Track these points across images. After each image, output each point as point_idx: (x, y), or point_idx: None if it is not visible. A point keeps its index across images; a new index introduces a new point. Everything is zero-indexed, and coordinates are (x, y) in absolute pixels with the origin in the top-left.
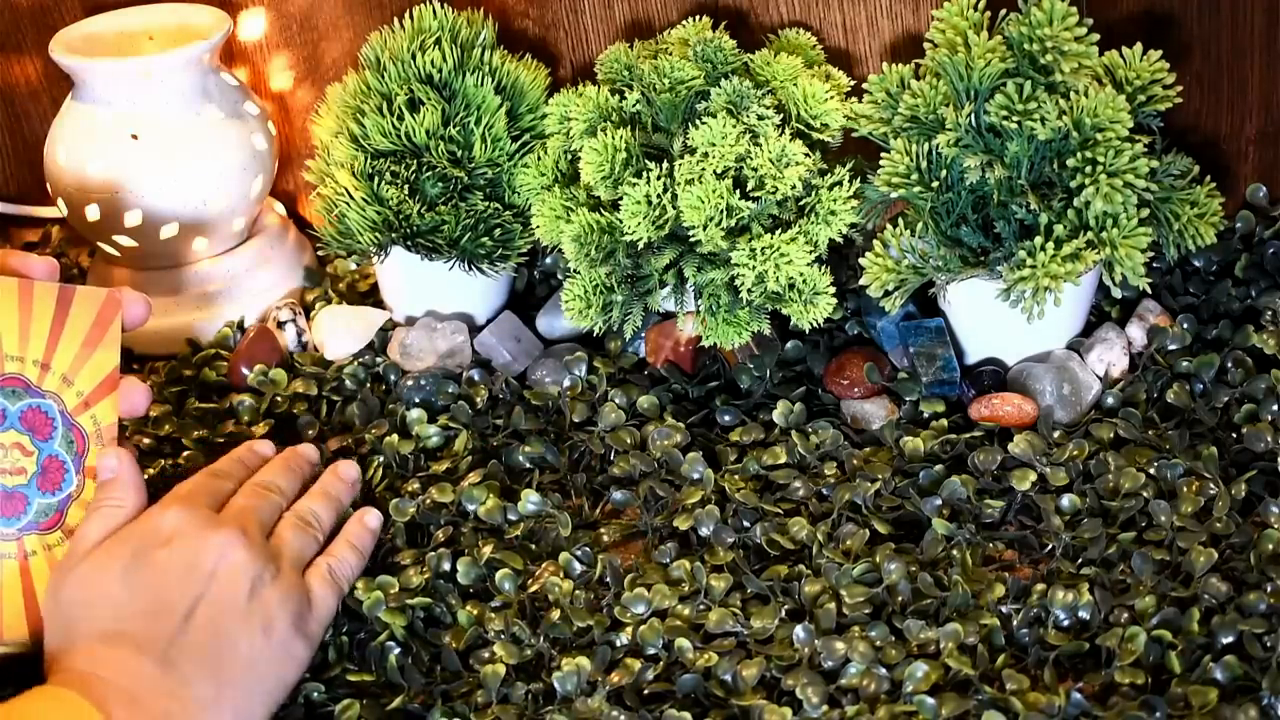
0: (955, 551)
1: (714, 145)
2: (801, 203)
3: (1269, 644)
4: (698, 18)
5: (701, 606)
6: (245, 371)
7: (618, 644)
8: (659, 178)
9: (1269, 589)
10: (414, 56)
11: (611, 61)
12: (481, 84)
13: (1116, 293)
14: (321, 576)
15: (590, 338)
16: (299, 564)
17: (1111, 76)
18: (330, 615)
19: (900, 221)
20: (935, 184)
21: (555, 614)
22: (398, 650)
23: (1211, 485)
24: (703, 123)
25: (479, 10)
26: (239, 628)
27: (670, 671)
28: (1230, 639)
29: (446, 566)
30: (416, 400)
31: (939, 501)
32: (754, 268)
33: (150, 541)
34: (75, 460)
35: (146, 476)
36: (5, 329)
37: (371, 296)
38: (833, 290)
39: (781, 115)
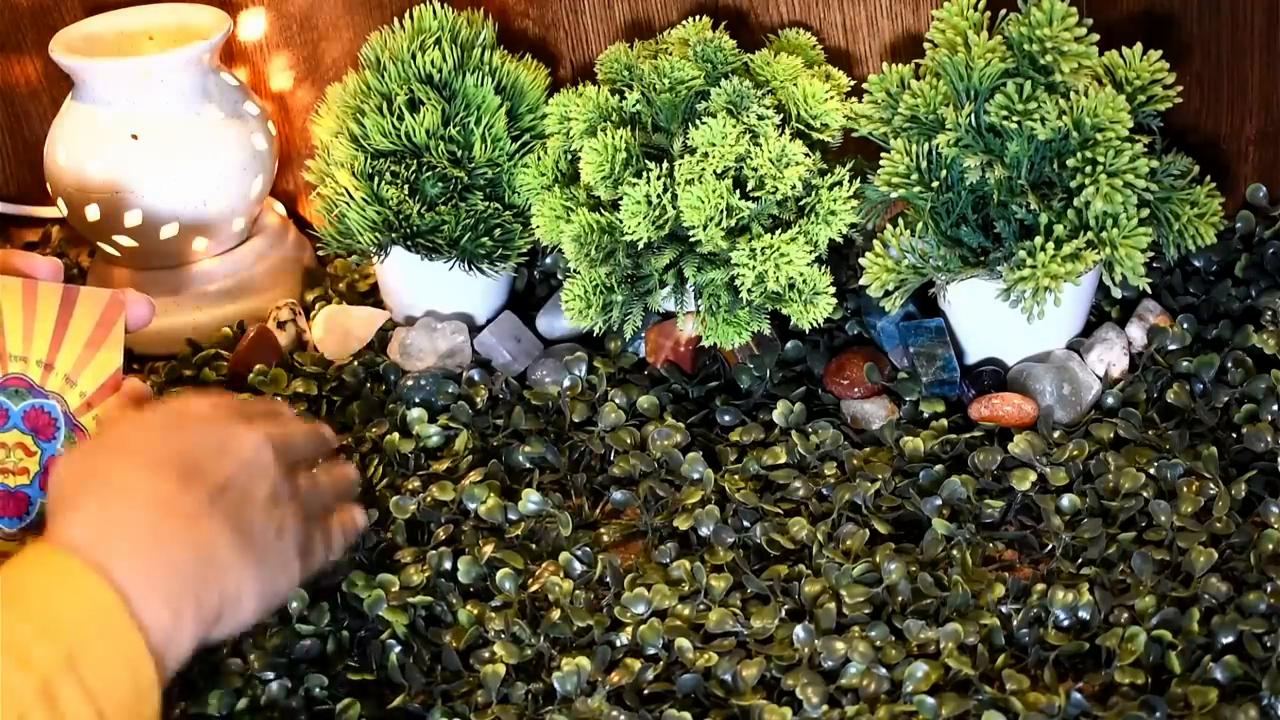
0: (955, 551)
1: (714, 145)
2: (801, 203)
3: (1269, 644)
4: (698, 18)
5: (701, 606)
6: (245, 371)
7: (618, 644)
8: (659, 178)
9: (1269, 589)
10: (414, 56)
11: (611, 61)
12: (481, 84)
13: (1116, 293)
14: (326, 530)
15: (590, 338)
16: (308, 507)
17: (1111, 76)
18: (314, 570)
19: (900, 221)
20: (935, 184)
21: (555, 614)
22: (399, 649)
23: (1211, 485)
24: (703, 123)
25: (479, 10)
26: (260, 520)
27: (670, 671)
28: (1230, 639)
29: (447, 565)
30: (416, 400)
31: (939, 501)
32: (754, 268)
33: (189, 417)
34: None
35: None
36: (9, 329)
37: (371, 296)
38: (833, 290)
39: (781, 115)
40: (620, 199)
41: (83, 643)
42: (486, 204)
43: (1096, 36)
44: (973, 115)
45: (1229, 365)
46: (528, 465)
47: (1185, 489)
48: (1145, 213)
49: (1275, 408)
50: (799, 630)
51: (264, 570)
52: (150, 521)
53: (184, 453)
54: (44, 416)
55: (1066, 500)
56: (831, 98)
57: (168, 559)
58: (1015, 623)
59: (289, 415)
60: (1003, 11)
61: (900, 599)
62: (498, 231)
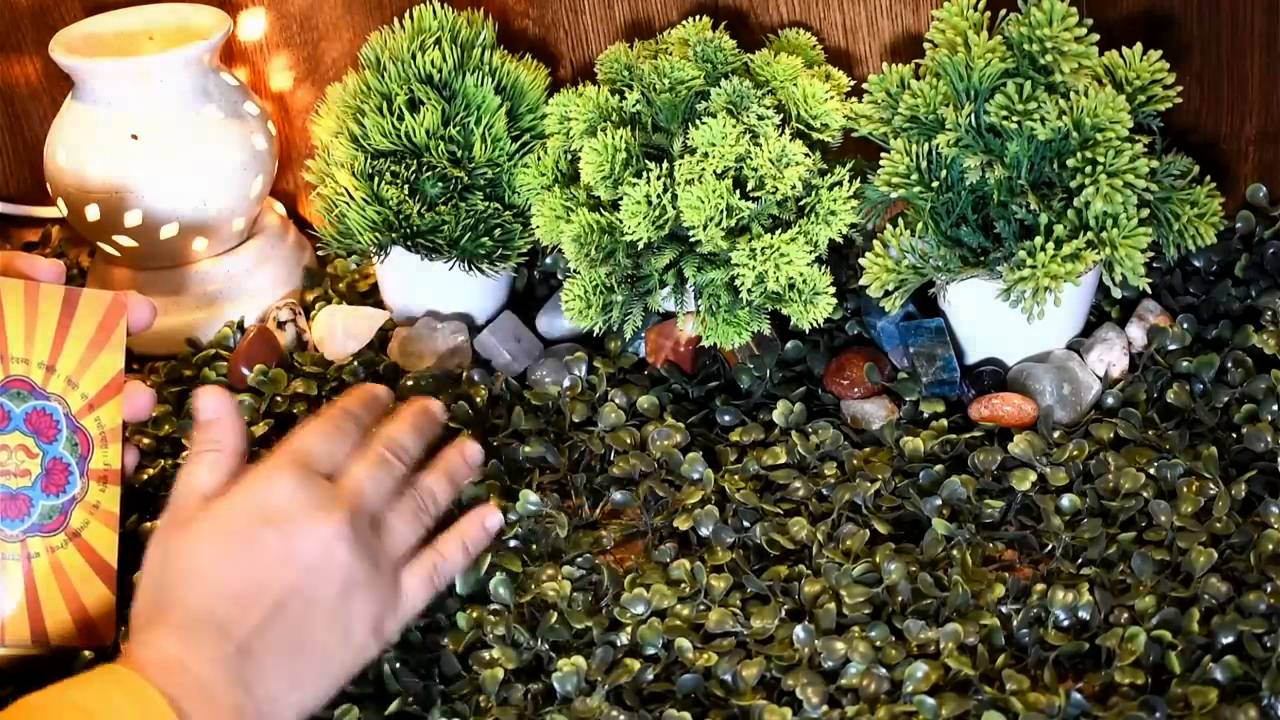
0: (955, 551)
1: (714, 145)
2: (801, 203)
3: (1269, 644)
4: (698, 18)
5: (701, 606)
6: (245, 371)
7: (617, 644)
8: (659, 178)
9: (1269, 589)
10: (414, 56)
11: (611, 61)
12: (481, 84)
13: (1116, 293)
14: (421, 577)
15: (590, 338)
16: (399, 559)
17: (1111, 76)
18: (414, 614)
19: (900, 221)
20: (935, 184)
21: (553, 616)
22: (397, 653)
23: (1211, 485)
24: (703, 123)
25: (479, 10)
26: (323, 626)
27: (670, 671)
28: (1230, 639)
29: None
30: None
31: (939, 501)
32: (754, 268)
33: (258, 516)
34: (79, 463)
35: (146, 477)
36: (11, 331)
37: (371, 296)
38: (833, 290)
39: (781, 115)
40: (620, 199)
41: None
42: (486, 204)
43: (1096, 36)
44: (973, 115)
45: (1229, 365)
46: (528, 465)
47: (1185, 489)
48: (1145, 213)
49: (1275, 408)
50: (799, 630)
51: (326, 676)
52: (210, 660)
53: (246, 571)
54: (46, 418)
55: (1066, 500)
56: (831, 98)
57: (222, 701)
58: (1015, 623)
59: (384, 402)
60: (1003, 11)
61: (900, 599)
62: (498, 231)
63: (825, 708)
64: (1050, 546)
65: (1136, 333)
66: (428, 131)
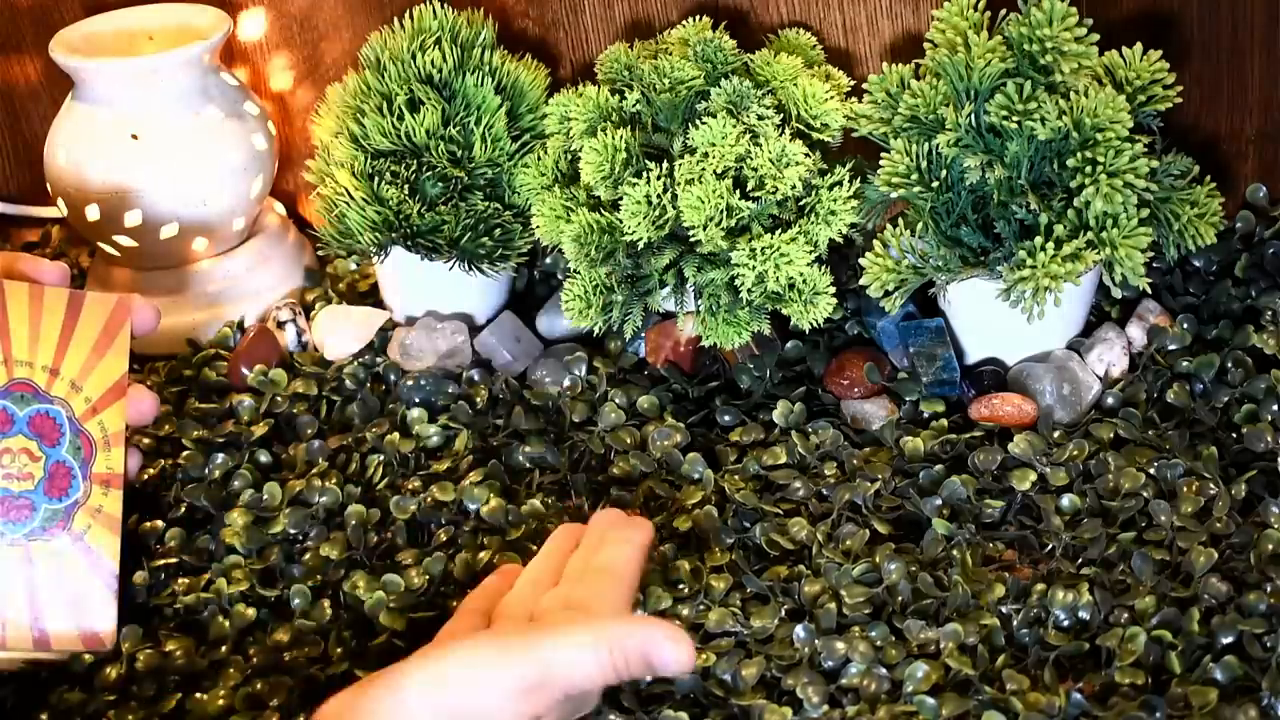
0: (955, 551)
1: (714, 145)
2: (801, 203)
3: (1269, 644)
4: (698, 18)
5: (701, 606)
6: (245, 371)
7: None
8: (659, 178)
9: (1269, 589)
10: (414, 56)
11: (611, 61)
12: (481, 84)
13: (1116, 293)
14: None
15: (590, 338)
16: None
17: (1111, 76)
18: None
19: (900, 221)
20: (935, 184)
21: None
22: (402, 650)
23: (1211, 485)
24: (703, 123)
25: (479, 10)
26: None
27: None
28: (1230, 639)
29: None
30: (416, 400)
31: (939, 501)
32: (754, 268)
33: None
34: (82, 467)
35: (146, 476)
36: (15, 334)
37: (371, 296)
38: (833, 290)
39: (781, 115)
40: (620, 199)
41: None
42: (486, 204)
43: (1096, 36)
44: (973, 115)
45: (1229, 365)
46: (528, 465)
47: (1185, 489)
48: (1145, 213)
49: (1275, 408)
50: (799, 630)
51: None
52: None
53: None
54: (49, 422)
55: (1066, 500)
56: (831, 98)
57: None
58: (1015, 623)
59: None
60: (1003, 11)
61: (900, 599)
62: (498, 231)
63: (825, 707)
64: (1050, 546)
65: (1136, 333)
66: (428, 131)
